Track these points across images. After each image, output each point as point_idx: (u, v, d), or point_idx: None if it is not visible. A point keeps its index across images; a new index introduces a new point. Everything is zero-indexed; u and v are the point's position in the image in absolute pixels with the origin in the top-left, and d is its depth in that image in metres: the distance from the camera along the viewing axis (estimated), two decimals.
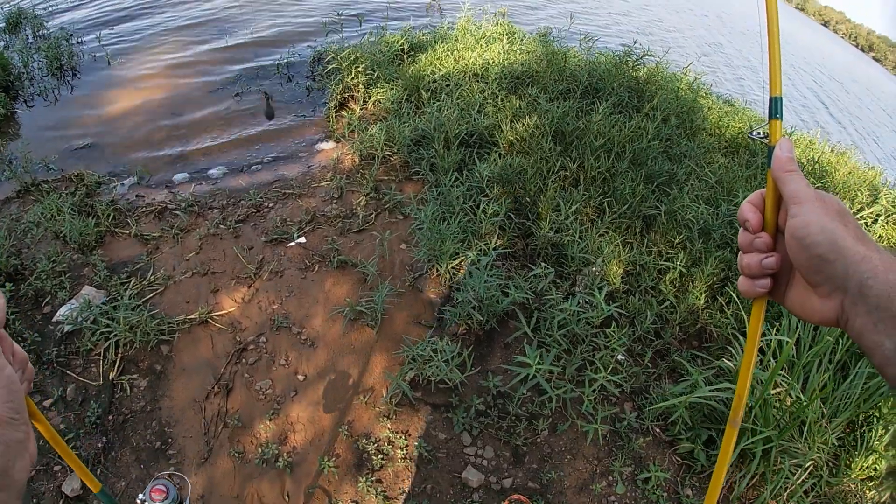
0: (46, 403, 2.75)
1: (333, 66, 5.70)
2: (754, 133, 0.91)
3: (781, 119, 0.81)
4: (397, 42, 6.16)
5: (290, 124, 5.36)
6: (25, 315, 3.12)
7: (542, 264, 3.41)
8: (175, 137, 4.97)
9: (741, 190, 4.30)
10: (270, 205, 4.11)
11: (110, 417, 2.76)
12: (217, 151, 4.85)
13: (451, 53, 5.96)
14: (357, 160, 4.61)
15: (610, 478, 2.82)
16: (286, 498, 2.57)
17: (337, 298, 3.43)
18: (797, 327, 3.19)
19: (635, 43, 6.19)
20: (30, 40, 6.16)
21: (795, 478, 2.69)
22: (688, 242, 3.85)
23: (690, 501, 2.78)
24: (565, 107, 4.86)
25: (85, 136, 4.78)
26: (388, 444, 2.78)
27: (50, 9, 7.11)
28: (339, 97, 5.53)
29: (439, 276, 3.59)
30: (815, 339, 3.15)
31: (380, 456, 2.72)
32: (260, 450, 2.70)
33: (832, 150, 6.39)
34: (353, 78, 5.53)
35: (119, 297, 3.12)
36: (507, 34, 6.69)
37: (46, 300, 3.20)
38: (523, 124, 4.62)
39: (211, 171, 4.55)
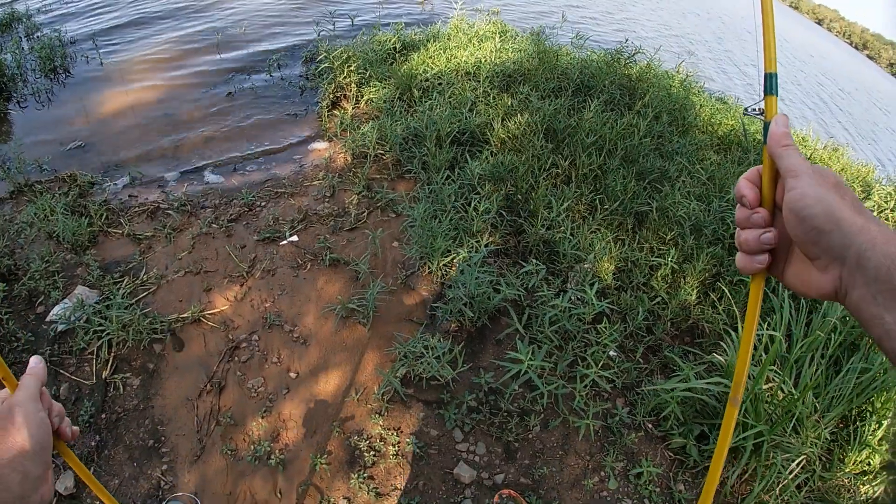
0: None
1: (326, 65, 5.69)
2: (750, 109, 0.92)
3: (777, 95, 0.81)
4: (389, 41, 6.16)
5: (283, 124, 5.36)
6: (19, 315, 3.12)
7: (534, 261, 3.43)
8: (167, 137, 4.96)
9: (733, 186, 4.30)
10: (263, 204, 4.12)
11: (103, 416, 2.77)
12: (209, 151, 4.84)
13: (444, 52, 5.97)
14: (349, 159, 4.62)
15: (602, 473, 2.83)
16: (278, 495, 2.58)
17: (329, 296, 3.44)
18: (788, 322, 3.22)
19: (626, 41, 6.21)
20: (23, 41, 6.14)
21: (787, 472, 2.70)
22: (679, 239, 3.86)
23: (683, 496, 2.79)
24: (557, 104, 4.87)
25: (78, 136, 4.77)
26: (381, 441, 2.79)
27: (43, 9, 7.09)
28: (331, 96, 5.53)
29: (431, 273, 3.60)
30: (806, 336, 3.18)
31: (372, 453, 2.73)
32: (252, 447, 2.70)
33: (825, 147, 6.42)
34: (345, 77, 5.53)
35: (112, 297, 3.13)
36: (499, 33, 6.71)
37: (40, 300, 3.20)
38: (515, 122, 4.63)
39: (203, 171, 4.55)
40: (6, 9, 6.65)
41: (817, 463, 2.86)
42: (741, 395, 0.92)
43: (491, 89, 5.26)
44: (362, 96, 5.42)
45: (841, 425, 3.10)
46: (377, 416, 2.87)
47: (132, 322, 2.98)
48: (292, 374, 3.05)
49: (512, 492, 2.64)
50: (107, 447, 2.67)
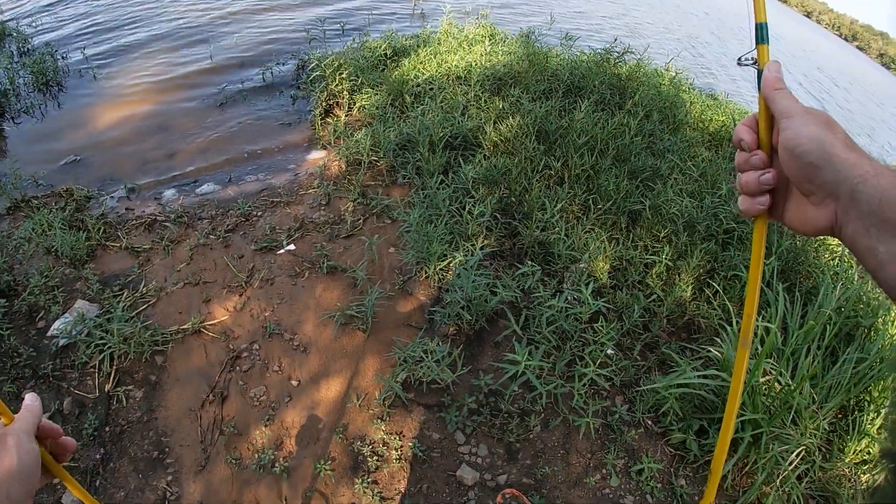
0: (43, 417, 2.76)
1: (317, 73, 5.72)
2: (743, 59, 0.95)
3: (768, 44, 0.85)
4: (380, 47, 6.20)
5: (276, 133, 5.38)
6: (20, 331, 3.14)
7: (530, 263, 3.46)
8: (162, 149, 4.98)
9: (725, 182, 4.35)
10: (259, 213, 4.14)
11: (107, 429, 2.78)
12: (204, 162, 4.86)
13: (434, 57, 6.00)
14: (343, 166, 4.64)
15: (604, 471, 2.86)
16: (284, 502, 2.60)
17: (328, 304, 3.47)
18: (783, 315, 3.25)
19: (615, 40, 6.25)
20: (15, 57, 6.15)
21: (787, 463, 2.73)
22: (673, 236, 3.90)
23: (684, 491, 2.82)
24: (548, 106, 4.91)
25: (72, 150, 4.79)
26: (383, 446, 2.81)
27: (35, 25, 7.10)
28: (324, 104, 5.56)
29: (428, 277, 3.63)
30: (801, 327, 3.21)
31: (375, 458, 2.76)
32: (256, 456, 2.72)
33: None
34: (337, 84, 5.56)
35: (112, 310, 3.15)
36: (489, 36, 6.74)
37: (40, 315, 3.22)
38: (507, 125, 4.67)
39: (198, 182, 4.57)
40: None
41: (817, 453, 2.88)
42: (751, 336, 0.96)
43: (482, 93, 5.30)
44: (354, 103, 5.45)
45: (839, 415, 3.12)
46: (379, 420, 2.90)
47: (133, 335, 3.00)
48: (294, 382, 3.07)
49: (515, 491, 2.67)
50: (112, 460, 2.68)
